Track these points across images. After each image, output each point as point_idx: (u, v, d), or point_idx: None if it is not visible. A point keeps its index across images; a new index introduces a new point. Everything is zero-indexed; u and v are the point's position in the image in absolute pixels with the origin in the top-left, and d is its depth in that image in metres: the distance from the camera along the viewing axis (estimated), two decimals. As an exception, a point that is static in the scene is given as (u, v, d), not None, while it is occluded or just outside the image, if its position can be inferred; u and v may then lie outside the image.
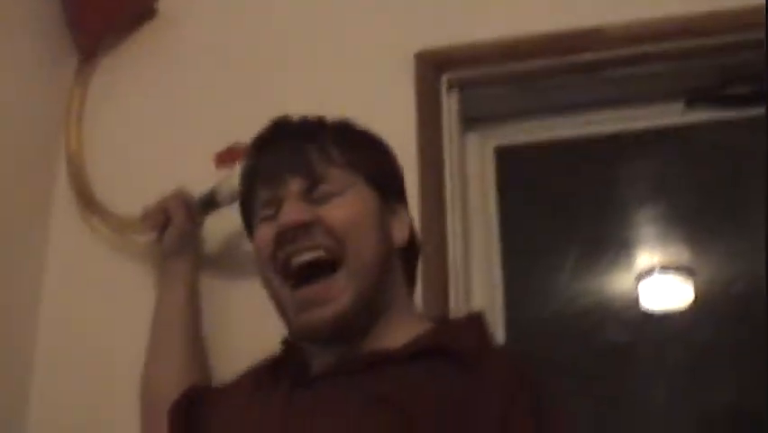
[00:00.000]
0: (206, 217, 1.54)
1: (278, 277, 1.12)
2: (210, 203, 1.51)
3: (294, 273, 1.11)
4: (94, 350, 1.62)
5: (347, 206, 1.11)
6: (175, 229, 1.49)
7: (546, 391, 1.04)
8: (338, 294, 1.08)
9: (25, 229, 1.65)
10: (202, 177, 1.53)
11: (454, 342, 1.07)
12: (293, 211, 1.10)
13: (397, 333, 1.11)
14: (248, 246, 1.30)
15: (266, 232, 1.13)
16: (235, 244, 1.57)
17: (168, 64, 1.77)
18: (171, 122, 1.73)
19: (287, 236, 1.10)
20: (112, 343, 1.61)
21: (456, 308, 1.48)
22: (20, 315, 1.62)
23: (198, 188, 1.52)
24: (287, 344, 1.22)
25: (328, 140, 1.15)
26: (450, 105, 1.63)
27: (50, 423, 1.58)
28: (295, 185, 1.12)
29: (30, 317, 1.63)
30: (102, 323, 1.63)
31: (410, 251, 1.20)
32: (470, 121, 1.69)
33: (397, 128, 1.40)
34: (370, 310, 1.12)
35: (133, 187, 1.66)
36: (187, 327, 1.47)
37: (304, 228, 1.09)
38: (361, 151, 1.17)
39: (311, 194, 1.12)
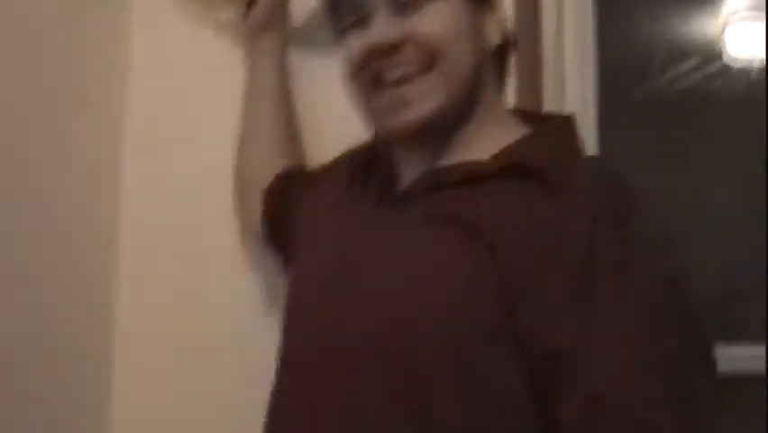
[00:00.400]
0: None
1: (368, 86, 1.08)
2: None
3: (385, 85, 1.07)
4: (185, 132, 1.57)
5: (439, 16, 1.05)
6: (262, 4, 1.43)
7: (633, 211, 0.98)
8: (428, 95, 1.04)
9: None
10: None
11: (538, 160, 1.01)
12: (383, 27, 1.05)
13: (487, 141, 1.07)
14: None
15: (354, 44, 1.08)
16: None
17: None
18: None
19: (377, 55, 1.05)
20: (204, 124, 1.56)
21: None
22: (108, 92, 1.56)
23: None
24: (376, 150, 1.19)
25: None
26: None
27: (142, 221, 1.56)
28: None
29: (118, 95, 1.57)
30: (193, 104, 1.57)
31: (503, 48, 1.14)
32: None
33: None
34: (459, 113, 1.08)
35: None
36: (278, 107, 1.44)
37: (395, 47, 1.04)
38: None
39: (397, 4, 1.06)
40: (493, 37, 1.10)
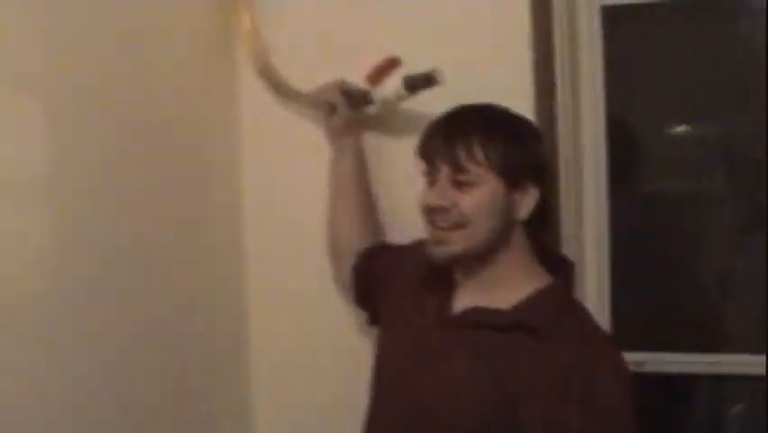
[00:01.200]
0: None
1: (427, 223, 1.57)
2: (364, 100, 1.84)
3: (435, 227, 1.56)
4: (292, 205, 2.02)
5: (476, 197, 1.50)
6: (339, 116, 1.85)
7: (605, 375, 1.45)
8: (458, 243, 1.52)
9: (219, 107, 2.00)
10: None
11: (538, 321, 1.49)
12: (438, 196, 1.52)
13: (515, 285, 1.54)
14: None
15: (425, 196, 1.56)
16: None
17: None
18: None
19: (433, 210, 1.54)
20: (307, 199, 1.98)
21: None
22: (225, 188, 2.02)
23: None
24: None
25: (474, 139, 1.50)
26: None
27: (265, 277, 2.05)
28: (444, 170, 1.52)
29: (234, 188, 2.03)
30: (298, 182, 2.01)
31: (536, 217, 1.55)
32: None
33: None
34: (482, 258, 1.55)
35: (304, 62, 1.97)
36: (358, 188, 1.87)
37: (444, 209, 1.52)
38: (499, 149, 1.50)
39: (456, 177, 1.51)
40: (523, 212, 1.54)
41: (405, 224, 1.84)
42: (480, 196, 1.50)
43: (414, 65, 1.76)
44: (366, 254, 1.82)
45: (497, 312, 1.53)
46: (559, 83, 1.91)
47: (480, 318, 1.54)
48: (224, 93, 2.00)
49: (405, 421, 1.56)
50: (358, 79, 1.84)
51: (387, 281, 1.74)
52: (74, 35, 1.54)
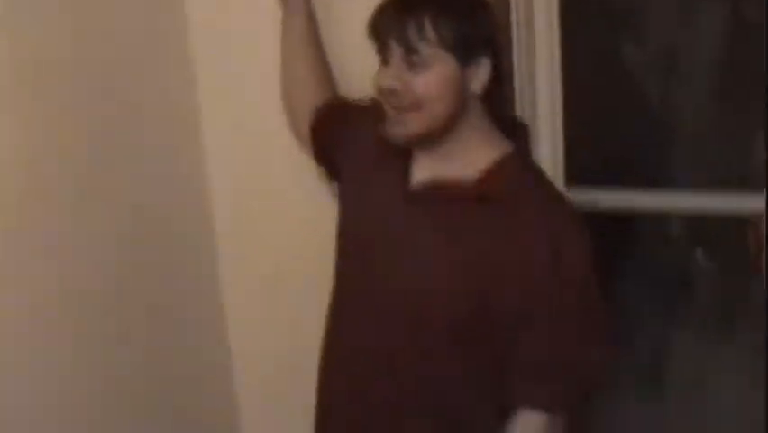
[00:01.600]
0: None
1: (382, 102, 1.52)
2: None
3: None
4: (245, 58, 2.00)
5: (430, 78, 1.45)
6: None
7: (569, 239, 1.47)
8: (413, 123, 1.48)
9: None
10: None
11: (502, 191, 1.48)
12: (391, 77, 1.47)
13: (475, 154, 1.52)
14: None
15: (378, 77, 1.50)
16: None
17: None
18: None
19: (385, 93, 1.49)
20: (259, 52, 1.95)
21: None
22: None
23: None
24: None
25: (425, 17, 1.43)
26: None
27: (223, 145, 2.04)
28: (396, 51, 1.46)
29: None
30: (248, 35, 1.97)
31: (491, 88, 1.51)
32: None
33: None
34: (440, 134, 1.51)
35: None
36: (311, 47, 1.82)
37: (397, 91, 1.47)
38: (450, 25, 1.44)
39: (408, 58, 1.45)
40: (477, 85, 1.50)
41: (356, 79, 1.81)
42: (434, 76, 1.46)
43: None
44: (323, 111, 1.80)
45: (460, 185, 1.52)
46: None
47: (443, 191, 1.52)
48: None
49: (375, 305, 1.56)
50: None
51: (346, 139, 1.72)
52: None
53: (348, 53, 1.86)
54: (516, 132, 1.59)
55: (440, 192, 1.53)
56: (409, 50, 1.45)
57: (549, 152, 2.01)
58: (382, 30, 1.49)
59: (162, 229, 1.92)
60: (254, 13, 1.93)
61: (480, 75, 1.50)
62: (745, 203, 1.99)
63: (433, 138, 1.51)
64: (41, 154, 1.58)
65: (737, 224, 2.07)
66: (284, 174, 2.02)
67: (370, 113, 1.64)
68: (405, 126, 1.49)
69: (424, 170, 1.55)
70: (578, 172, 2.03)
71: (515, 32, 1.87)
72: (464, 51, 1.47)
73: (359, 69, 1.73)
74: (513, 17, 1.86)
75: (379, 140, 1.57)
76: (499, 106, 1.59)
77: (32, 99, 1.56)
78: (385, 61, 1.49)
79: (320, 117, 1.80)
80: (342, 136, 1.73)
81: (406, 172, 1.57)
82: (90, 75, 1.71)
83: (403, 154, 1.57)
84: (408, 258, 1.54)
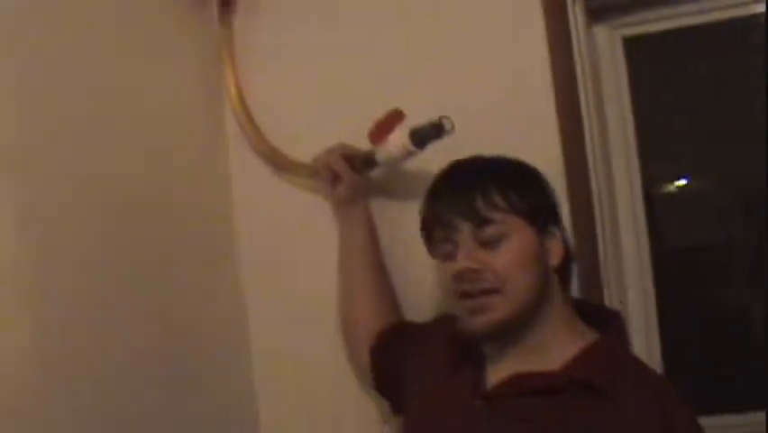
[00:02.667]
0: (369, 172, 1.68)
1: (457, 299, 1.35)
2: (369, 163, 1.65)
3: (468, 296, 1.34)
4: (294, 284, 1.82)
5: (510, 252, 1.32)
6: (345, 185, 1.65)
7: (678, 416, 1.25)
8: (498, 307, 1.31)
9: (210, 180, 1.83)
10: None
11: (597, 378, 1.28)
12: (465, 259, 1.33)
13: (559, 346, 1.34)
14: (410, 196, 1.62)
15: (447, 269, 1.36)
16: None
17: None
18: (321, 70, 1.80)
19: (463, 277, 1.33)
20: (310, 278, 1.80)
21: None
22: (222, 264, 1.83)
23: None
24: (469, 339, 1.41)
25: (490, 185, 1.33)
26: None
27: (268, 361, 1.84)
28: (465, 228, 1.32)
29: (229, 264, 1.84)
30: (297, 261, 1.82)
31: (565, 262, 1.38)
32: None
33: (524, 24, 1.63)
34: (526, 320, 1.34)
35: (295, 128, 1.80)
36: (371, 265, 1.67)
37: (475, 271, 1.32)
38: (519, 192, 1.34)
39: (480, 234, 1.32)
40: (555, 258, 1.35)
41: (422, 298, 1.67)
42: (513, 249, 1.32)
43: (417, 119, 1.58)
44: (385, 335, 1.62)
45: (546, 374, 1.31)
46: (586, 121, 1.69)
47: (526, 384, 1.32)
48: (214, 168, 1.84)
49: None
50: (354, 141, 1.67)
51: (411, 363, 1.54)
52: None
53: (414, 274, 1.70)
54: (604, 321, 1.40)
55: (524, 383, 1.32)
56: (480, 223, 1.32)
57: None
58: (444, 209, 1.35)
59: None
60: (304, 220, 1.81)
61: (556, 247, 1.36)
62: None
63: (517, 325, 1.33)
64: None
65: None
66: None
67: (438, 326, 1.53)
68: (487, 313, 1.32)
69: (501, 372, 1.36)
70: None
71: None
72: (538, 218, 1.35)
73: (425, 292, 1.64)
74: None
75: (448, 349, 1.43)
76: (569, 287, 1.43)
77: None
78: (451, 250, 1.35)
79: (382, 340, 1.62)
80: (408, 358, 1.55)
81: (480, 377, 1.38)
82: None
83: (475, 359, 1.40)
84: None
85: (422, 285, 1.68)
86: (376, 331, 1.62)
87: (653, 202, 1.87)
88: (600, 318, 1.40)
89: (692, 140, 1.99)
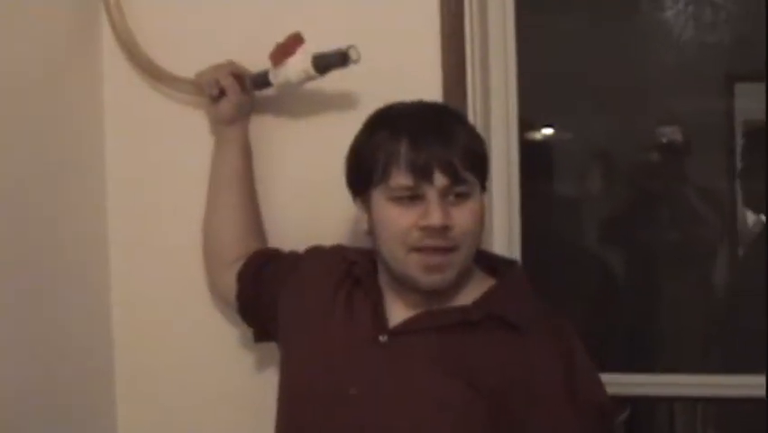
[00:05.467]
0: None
1: (408, 250, 1.32)
2: (262, 83, 1.62)
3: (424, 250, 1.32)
4: (160, 204, 1.77)
5: (474, 212, 1.33)
6: (230, 102, 1.61)
7: (578, 360, 1.32)
8: (452, 267, 1.32)
9: (83, 93, 1.74)
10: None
11: (510, 312, 1.33)
12: (440, 214, 1.29)
13: (463, 290, 1.36)
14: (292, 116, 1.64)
15: (403, 216, 1.32)
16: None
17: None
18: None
19: (434, 232, 1.30)
20: (177, 196, 1.75)
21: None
22: (89, 175, 1.75)
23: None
24: (362, 269, 1.43)
25: (468, 143, 1.33)
26: None
27: (128, 273, 1.78)
28: (440, 182, 1.29)
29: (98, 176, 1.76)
30: (165, 173, 1.76)
31: None
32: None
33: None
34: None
35: (179, 47, 1.73)
36: (243, 189, 1.64)
37: (446, 229, 1.30)
38: (482, 156, 1.36)
39: (450, 190, 1.30)
40: (484, 219, 1.37)
41: (289, 229, 1.67)
42: (474, 210, 1.33)
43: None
44: (254, 261, 1.59)
45: (461, 309, 1.34)
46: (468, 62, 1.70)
47: (442, 318, 1.34)
48: (87, 76, 1.74)
49: None
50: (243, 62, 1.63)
51: (283, 292, 1.51)
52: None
53: (283, 201, 1.70)
54: (502, 269, 1.44)
55: (439, 318, 1.34)
56: (456, 180, 1.30)
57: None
58: (418, 158, 1.30)
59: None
60: (177, 138, 1.75)
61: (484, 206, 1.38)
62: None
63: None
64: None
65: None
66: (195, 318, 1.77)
67: (311, 260, 1.53)
68: (445, 272, 1.32)
69: (406, 310, 1.37)
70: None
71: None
72: (485, 178, 1.37)
73: (294, 218, 1.65)
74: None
75: (333, 285, 1.44)
76: None
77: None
78: (413, 200, 1.31)
79: (250, 265, 1.59)
80: (280, 287, 1.53)
81: (379, 312, 1.38)
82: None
83: (371, 295, 1.40)
84: (397, 399, 1.31)
85: (291, 216, 1.68)
86: (242, 256, 1.60)
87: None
88: (498, 267, 1.43)
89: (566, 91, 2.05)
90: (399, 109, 1.38)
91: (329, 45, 1.54)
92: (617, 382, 1.67)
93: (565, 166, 2.16)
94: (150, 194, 1.76)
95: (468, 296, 1.36)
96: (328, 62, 1.53)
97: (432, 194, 1.30)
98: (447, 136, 1.32)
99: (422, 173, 1.29)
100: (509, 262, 1.48)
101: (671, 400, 2.17)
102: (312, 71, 1.54)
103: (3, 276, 1.47)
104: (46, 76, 1.61)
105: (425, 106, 1.40)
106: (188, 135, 1.73)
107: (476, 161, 1.34)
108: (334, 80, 1.58)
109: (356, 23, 1.66)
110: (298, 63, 1.55)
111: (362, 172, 1.36)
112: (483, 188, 1.36)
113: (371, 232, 1.38)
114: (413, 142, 1.30)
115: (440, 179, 1.29)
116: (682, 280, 2.11)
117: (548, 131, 2.15)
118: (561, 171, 2.16)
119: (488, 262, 1.44)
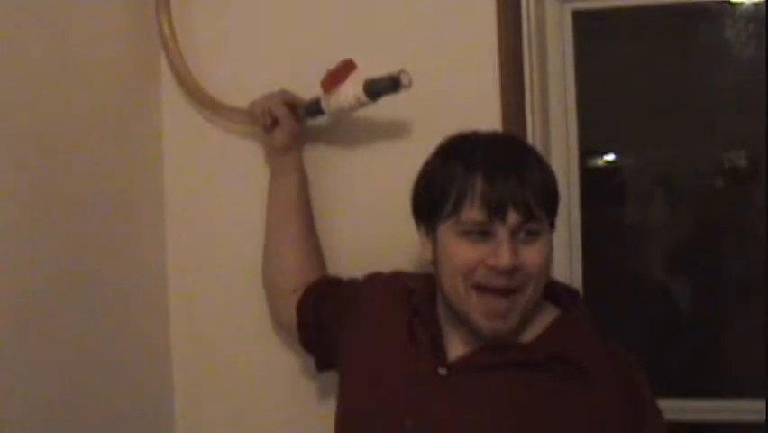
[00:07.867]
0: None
1: (469, 286, 1.28)
2: (315, 111, 1.60)
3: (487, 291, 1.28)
4: (218, 234, 1.78)
5: (543, 252, 1.27)
6: (283, 131, 1.60)
7: (643, 394, 1.28)
8: (516, 312, 1.28)
9: (140, 125, 1.75)
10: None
11: (573, 351, 1.28)
12: (509, 255, 1.24)
13: (530, 320, 1.32)
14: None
15: (470, 252, 1.27)
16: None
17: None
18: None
19: (498, 272, 1.25)
20: (235, 226, 1.75)
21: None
22: (148, 205, 1.77)
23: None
24: (420, 298, 1.40)
25: (539, 179, 1.28)
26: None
27: (186, 310, 1.78)
28: (513, 220, 1.25)
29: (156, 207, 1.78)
30: (222, 203, 1.77)
31: None
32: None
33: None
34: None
35: (234, 78, 1.74)
36: (300, 218, 1.62)
37: (515, 270, 1.26)
38: (554, 196, 1.32)
39: (522, 228, 1.26)
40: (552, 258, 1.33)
41: (348, 257, 1.65)
42: (542, 250, 1.28)
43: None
44: (313, 290, 1.58)
45: (522, 346, 1.31)
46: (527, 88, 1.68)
47: (502, 355, 1.29)
48: (146, 109, 1.76)
49: None
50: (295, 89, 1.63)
51: (341, 322, 1.50)
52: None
53: (341, 229, 1.69)
54: (564, 298, 1.39)
55: (500, 354, 1.30)
56: (529, 216, 1.25)
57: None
58: (499, 195, 1.25)
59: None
60: (234, 168, 1.76)
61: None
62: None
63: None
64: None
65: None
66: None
67: (370, 288, 1.51)
68: (508, 319, 1.28)
69: (465, 343, 1.34)
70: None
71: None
72: (555, 216, 1.32)
73: (351, 250, 1.62)
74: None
75: (392, 314, 1.41)
76: None
77: None
78: (483, 237, 1.27)
79: (310, 295, 1.57)
80: (342, 315, 1.51)
81: (438, 344, 1.35)
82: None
83: (430, 326, 1.37)
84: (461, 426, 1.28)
85: (350, 242, 1.67)
86: (302, 286, 1.59)
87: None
88: (558, 296, 1.39)
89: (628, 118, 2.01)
90: (474, 141, 1.33)
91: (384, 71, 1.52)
92: (682, 408, 1.62)
93: (627, 193, 2.12)
94: (207, 224, 1.77)
95: (530, 331, 1.33)
96: (379, 88, 1.51)
97: (503, 232, 1.25)
98: (522, 173, 1.27)
99: (495, 210, 1.25)
100: (572, 294, 1.43)
101: (734, 427, 2.10)
102: (364, 98, 1.52)
103: (62, 308, 1.47)
104: (106, 108, 1.62)
105: (500, 139, 1.37)
106: (245, 165, 1.73)
107: (549, 199, 1.30)
108: (394, 107, 1.57)
109: (412, 47, 1.64)
110: (350, 90, 1.53)
111: (432, 203, 1.32)
112: (552, 225, 1.31)
113: (434, 262, 1.34)
114: (488, 177, 1.26)
115: (513, 217, 1.25)
116: (747, 309, 2.04)
117: (609, 157, 2.11)
118: (623, 198, 2.12)
119: (549, 288, 1.38)
